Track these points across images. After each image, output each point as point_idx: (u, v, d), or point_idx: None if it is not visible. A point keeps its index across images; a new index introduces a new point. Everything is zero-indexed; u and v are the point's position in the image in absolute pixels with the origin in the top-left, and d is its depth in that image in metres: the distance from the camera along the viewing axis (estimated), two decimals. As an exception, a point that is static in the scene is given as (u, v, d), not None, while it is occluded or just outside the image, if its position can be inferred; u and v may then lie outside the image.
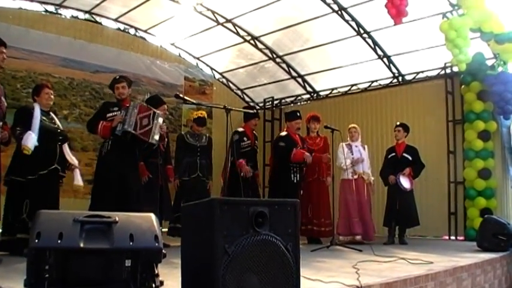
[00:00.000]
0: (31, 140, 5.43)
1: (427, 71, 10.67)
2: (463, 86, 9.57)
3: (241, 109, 8.35)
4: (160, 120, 6.35)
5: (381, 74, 11.28)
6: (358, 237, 8.41)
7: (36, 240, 2.70)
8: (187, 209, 2.85)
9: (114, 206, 5.31)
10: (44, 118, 5.84)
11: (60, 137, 6.02)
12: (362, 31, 10.31)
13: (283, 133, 8.34)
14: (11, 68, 9.44)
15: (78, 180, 6.11)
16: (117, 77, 6.56)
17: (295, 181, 7.94)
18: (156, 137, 6.23)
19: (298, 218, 2.77)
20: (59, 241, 2.71)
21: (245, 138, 8.08)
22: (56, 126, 6.05)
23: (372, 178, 8.77)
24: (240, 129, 8.11)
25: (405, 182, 8.41)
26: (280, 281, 2.63)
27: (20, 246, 5.32)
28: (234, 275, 2.45)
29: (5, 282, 3.38)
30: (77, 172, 6.13)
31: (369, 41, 10.49)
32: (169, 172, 7.64)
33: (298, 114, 8.32)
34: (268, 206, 2.64)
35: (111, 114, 6.20)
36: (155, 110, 6.32)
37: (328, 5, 9.83)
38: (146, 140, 6.17)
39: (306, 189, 8.44)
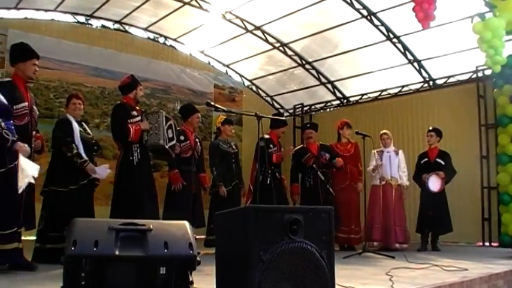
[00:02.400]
0: (102, 170, 5.78)
1: (458, 74, 10.51)
2: (495, 90, 9.40)
3: (273, 116, 8.32)
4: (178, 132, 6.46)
5: (411, 78, 11.16)
6: (376, 244, 8.34)
7: (73, 248, 2.74)
8: (222, 217, 2.85)
9: (141, 214, 5.35)
10: (80, 129, 5.95)
11: (95, 147, 6.10)
12: (392, 36, 10.23)
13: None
14: (44, 78, 9.60)
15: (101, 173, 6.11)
16: (135, 77, 6.53)
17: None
18: (176, 149, 6.45)
19: (332, 225, 2.75)
20: (94, 249, 2.74)
21: (271, 145, 8.04)
22: (91, 136, 6.13)
23: (407, 183, 8.67)
24: (266, 136, 8.06)
25: (433, 184, 8.28)
26: (315, 288, 2.61)
27: (54, 254, 5.46)
28: (269, 283, 2.45)
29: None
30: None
31: (399, 45, 10.40)
32: (204, 180, 7.63)
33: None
34: (303, 213, 2.63)
35: (133, 120, 6.16)
36: (174, 122, 6.41)
37: (357, 10, 9.79)
38: (172, 155, 6.27)
39: (337, 196, 8.42)
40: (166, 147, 6.08)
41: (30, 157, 5.00)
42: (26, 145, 4.63)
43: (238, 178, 7.95)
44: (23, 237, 4.98)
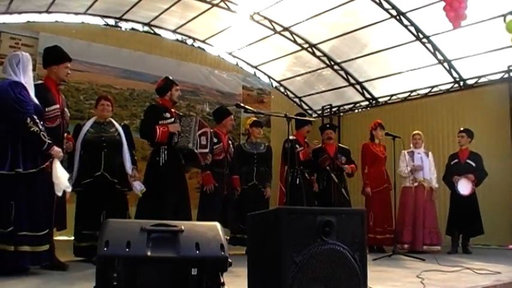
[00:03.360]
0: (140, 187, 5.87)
1: (489, 74, 10.37)
2: (528, 90, 9.28)
3: (302, 117, 8.30)
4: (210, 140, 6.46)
5: (441, 79, 11.04)
6: (406, 246, 8.25)
7: (105, 249, 2.76)
8: (254, 218, 2.85)
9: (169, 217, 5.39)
10: (91, 130, 6.05)
11: (104, 144, 6.07)
12: (421, 36, 10.13)
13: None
14: (74, 81, 9.71)
15: (136, 189, 6.12)
16: (171, 78, 6.58)
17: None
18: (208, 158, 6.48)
19: (365, 227, 2.73)
20: (127, 249, 2.76)
21: (297, 146, 7.97)
22: (100, 135, 6.10)
23: (436, 185, 8.57)
24: (292, 137, 8.02)
25: (463, 188, 8.18)
26: (348, 291, 2.59)
27: (92, 253, 5.54)
28: (301, 285, 2.43)
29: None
30: (132, 180, 6.17)
31: (429, 45, 10.29)
32: (236, 181, 7.63)
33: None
34: (336, 215, 2.61)
35: (164, 122, 6.20)
36: (210, 130, 6.42)
37: (387, 10, 9.71)
38: (201, 162, 6.29)
39: (373, 198, 8.39)
40: (196, 151, 6.09)
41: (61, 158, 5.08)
42: (60, 150, 4.69)
43: (260, 179, 7.90)
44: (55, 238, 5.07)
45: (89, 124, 6.06)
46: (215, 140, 7.04)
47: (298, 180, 7.68)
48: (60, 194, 4.59)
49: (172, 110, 6.43)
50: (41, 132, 4.42)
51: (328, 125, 9.30)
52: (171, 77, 6.61)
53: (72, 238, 6.13)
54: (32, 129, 4.37)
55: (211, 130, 6.57)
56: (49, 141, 4.50)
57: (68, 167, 5.58)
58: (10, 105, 4.39)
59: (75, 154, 5.84)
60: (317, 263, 2.50)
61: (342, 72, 12.15)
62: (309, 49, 11.74)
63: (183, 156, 6.31)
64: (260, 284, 2.69)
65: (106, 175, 5.97)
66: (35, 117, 4.42)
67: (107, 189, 5.97)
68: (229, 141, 7.59)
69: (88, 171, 5.90)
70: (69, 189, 4.80)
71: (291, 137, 7.82)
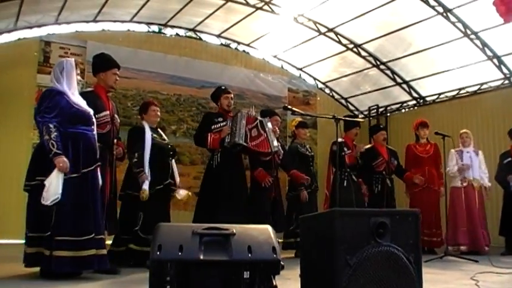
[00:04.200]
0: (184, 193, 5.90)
1: (542, 70, 10.11)
2: None
3: (350, 118, 8.23)
4: (269, 125, 6.45)
5: (490, 75, 10.77)
6: (463, 248, 8.08)
7: (158, 253, 2.77)
8: (306, 221, 2.83)
9: (221, 218, 5.43)
10: (155, 135, 6.04)
11: (171, 152, 6.19)
12: (469, 32, 9.92)
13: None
14: (122, 87, 9.86)
15: (182, 195, 6.20)
16: (223, 87, 6.70)
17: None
18: (275, 143, 6.35)
19: (419, 229, 2.67)
20: (179, 253, 2.77)
21: (345, 148, 7.89)
22: (166, 142, 6.23)
23: (489, 184, 8.37)
24: (340, 140, 7.97)
25: None
26: (403, 293, 2.54)
27: (128, 258, 5.63)
28: (356, 287, 2.40)
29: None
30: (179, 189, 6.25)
31: (477, 42, 10.07)
32: (297, 175, 7.63)
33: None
34: (390, 217, 2.57)
35: (217, 126, 6.32)
36: (260, 118, 6.43)
37: (433, 7, 9.54)
38: (267, 152, 6.31)
39: (415, 198, 8.25)
40: (244, 143, 6.14)
41: (111, 163, 5.15)
42: (66, 162, 4.43)
43: (316, 181, 7.90)
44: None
45: (148, 128, 6.01)
46: None
47: (345, 182, 7.64)
48: (47, 203, 4.31)
49: (229, 115, 6.51)
50: (51, 141, 4.37)
51: (382, 126, 9.07)
52: (223, 87, 6.80)
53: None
54: (44, 137, 4.40)
55: (261, 120, 6.52)
56: (57, 151, 4.37)
57: (138, 168, 5.70)
58: (36, 114, 4.53)
59: (144, 155, 5.78)
60: (371, 265, 2.46)
61: (388, 72, 12.00)
62: (354, 49, 11.64)
63: (242, 152, 6.42)
64: (313, 286, 2.66)
65: (172, 183, 6.06)
66: (51, 125, 4.41)
67: (169, 197, 6.09)
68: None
69: (159, 178, 5.89)
70: (56, 201, 4.37)
71: (339, 140, 7.83)
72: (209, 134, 6.26)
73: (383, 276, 2.48)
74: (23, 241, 4.57)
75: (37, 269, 4.56)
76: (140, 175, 5.70)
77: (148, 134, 5.90)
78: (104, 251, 4.72)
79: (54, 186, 4.33)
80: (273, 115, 7.53)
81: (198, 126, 6.76)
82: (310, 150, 8.03)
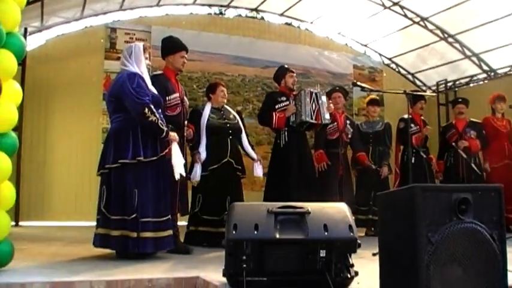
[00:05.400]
0: (196, 173, 5.81)
1: None
2: None
3: (421, 93, 8.06)
4: (324, 98, 6.39)
5: None
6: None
7: (234, 232, 2.78)
8: (384, 198, 2.76)
9: (293, 197, 5.43)
10: (214, 116, 6.10)
11: (230, 131, 6.18)
12: (544, -1, 9.49)
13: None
14: (187, 70, 9.90)
15: (258, 172, 6.28)
16: (286, 66, 6.66)
17: None
18: (327, 116, 6.30)
19: (502, 204, 2.56)
20: (255, 232, 2.76)
21: (412, 125, 7.73)
22: (225, 121, 6.21)
23: None
24: (405, 116, 7.84)
25: None
26: (486, 272, 2.45)
27: (195, 238, 5.76)
28: (438, 265, 2.32)
29: (202, 271, 3.53)
30: (256, 164, 6.30)
31: (553, 9, 9.63)
32: (362, 158, 7.68)
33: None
34: (471, 192, 2.46)
35: (280, 105, 6.31)
36: (315, 91, 6.36)
37: (503, -26, 9.19)
38: (319, 123, 6.25)
39: (494, 174, 7.98)
40: (311, 120, 6.10)
41: (182, 145, 5.21)
42: (175, 134, 4.78)
43: (376, 159, 7.78)
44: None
45: (207, 109, 6.10)
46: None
47: (413, 159, 7.51)
48: (177, 177, 4.73)
49: (292, 93, 6.48)
50: (159, 121, 4.51)
51: (460, 99, 8.78)
52: (286, 66, 6.75)
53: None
54: (150, 118, 4.45)
55: (316, 92, 6.47)
56: (166, 128, 4.60)
57: (193, 150, 5.81)
58: (128, 96, 4.49)
59: (201, 139, 5.91)
60: (454, 243, 2.37)
61: (456, 45, 11.60)
62: (421, 23, 11.31)
63: (308, 129, 6.48)
64: (392, 264, 2.60)
65: (232, 161, 6.07)
66: (152, 106, 4.49)
67: (231, 176, 6.08)
68: (347, 121, 7.49)
69: (215, 157, 5.95)
70: (184, 174, 4.92)
71: (405, 116, 7.70)
72: (274, 113, 6.27)
73: (466, 254, 2.39)
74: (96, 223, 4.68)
75: (107, 250, 4.66)
76: (194, 154, 5.87)
77: (205, 116, 6.01)
78: (177, 231, 4.82)
79: (180, 159, 4.78)
80: (333, 92, 7.56)
81: (261, 107, 6.79)
82: (379, 127, 7.90)
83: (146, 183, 4.50)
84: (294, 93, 6.53)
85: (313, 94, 6.31)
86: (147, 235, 4.43)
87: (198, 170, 5.79)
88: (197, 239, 5.80)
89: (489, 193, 2.54)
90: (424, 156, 7.75)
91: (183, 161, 4.90)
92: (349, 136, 7.44)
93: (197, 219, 5.89)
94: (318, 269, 2.85)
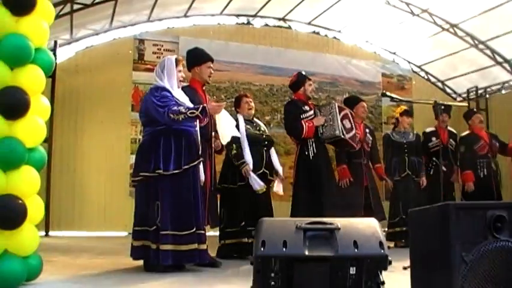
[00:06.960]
0: (257, 181, 5.78)
1: None
2: None
3: (451, 103, 7.94)
4: (351, 117, 6.33)
5: None
6: None
7: (262, 248, 2.73)
8: (416, 215, 2.70)
9: (327, 211, 5.39)
10: (248, 126, 6.05)
11: (266, 142, 6.16)
12: None
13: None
14: (215, 80, 9.95)
15: (278, 189, 6.21)
16: (304, 73, 6.52)
17: None
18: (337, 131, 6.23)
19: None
20: (284, 249, 2.71)
21: (433, 138, 7.73)
22: (261, 132, 6.21)
23: None
24: (428, 130, 8.00)
25: None
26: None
27: (231, 249, 5.72)
28: (472, 286, 2.25)
29: (228, 287, 3.50)
30: (278, 180, 6.23)
31: None
32: (379, 171, 7.55)
33: None
34: (507, 209, 2.38)
35: (306, 115, 6.18)
36: (348, 110, 6.32)
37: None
38: (355, 146, 6.21)
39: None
40: (345, 137, 6.04)
41: (210, 157, 5.19)
42: (215, 104, 4.88)
43: (412, 169, 7.64)
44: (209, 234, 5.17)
45: (241, 120, 6.03)
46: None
47: (432, 171, 7.68)
48: (225, 142, 5.04)
49: (310, 102, 6.41)
50: (188, 112, 4.48)
51: (473, 110, 8.64)
52: (303, 72, 6.58)
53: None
54: (179, 118, 4.46)
55: (350, 112, 6.46)
56: (197, 111, 4.54)
57: (238, 160, 5.82)
58: (153, 109, 4.53)
59: (243, 148, 5.85)
60: (489, 262, 2.29)
61: (487, 51, 11.44)
62: (450, 30, 11.18)
63: (334, 144, 6.38)
64: (425, 284, 2.53)
65: (266, 172, 6.04)
66: (174, 107, 4.48)
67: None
68: (367, 130, 7.41)
69: (252, 168, 5.88)
70: (238, 135, 5.25)
71: (427, 130, 7.64)
72: (303, 122, 6.11)
73: (502, 275, 2.31)
74: (125, 233, 4.70)
75: (141, 262, 4.67)
76: (243, 167, 5.78)
77: (242, 126, 5.91)
78: (205, 246, 4.72)
79: (230, 121, 5.01)
80: (358, 102, 7.42)
81: (286, 116, 6.48)
82: (411, 137, 7.77)
83: (168, 196, 4.49)
84: (311, 102, 6.44)
85: (350, 114, 6.31)
86: (166, 247, 4.41)
87: (256, 178, 5.78)
88: (228, 252, 5.77)
89: (526, 209, 2.46)
90: (444, 169, 7.56)
91: (234, 122, 5.06)
92: (370, 145, 7.35)
93: (228, 231, 5.85)
94: (347, 287, 2.79)
